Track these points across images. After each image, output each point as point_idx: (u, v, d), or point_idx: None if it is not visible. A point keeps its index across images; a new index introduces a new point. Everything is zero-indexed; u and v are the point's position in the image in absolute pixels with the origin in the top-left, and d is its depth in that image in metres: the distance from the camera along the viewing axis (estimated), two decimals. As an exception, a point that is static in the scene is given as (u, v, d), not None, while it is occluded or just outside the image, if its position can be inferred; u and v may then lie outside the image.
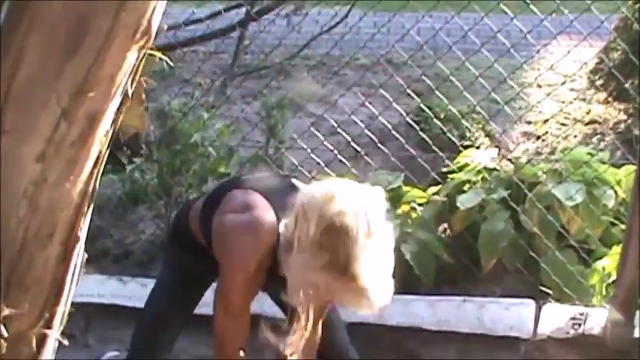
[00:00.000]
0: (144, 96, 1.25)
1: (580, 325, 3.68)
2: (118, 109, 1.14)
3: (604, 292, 3.77)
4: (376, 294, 2.25)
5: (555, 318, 3.70)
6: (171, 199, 4.41)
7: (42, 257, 1.11)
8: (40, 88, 1.05)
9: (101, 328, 4.01)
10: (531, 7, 4.00)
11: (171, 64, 5.26)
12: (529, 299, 3.75)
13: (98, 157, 1.14)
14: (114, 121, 1.14)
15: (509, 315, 3.74)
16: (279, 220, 2.36)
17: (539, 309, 3.71)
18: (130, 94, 1.15)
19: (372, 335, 3.77)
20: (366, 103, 4.47)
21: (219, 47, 5.65)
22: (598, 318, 3.67)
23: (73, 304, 3.91)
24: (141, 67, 1.16)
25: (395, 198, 4.16)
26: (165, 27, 1.14)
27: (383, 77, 5.15)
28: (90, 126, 1.10)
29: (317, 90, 5.27)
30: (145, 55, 1.15)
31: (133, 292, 4.05)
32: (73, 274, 1.18)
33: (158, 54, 1.22)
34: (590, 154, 4.16)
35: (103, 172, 3.91)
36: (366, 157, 4.24)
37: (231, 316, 2.54)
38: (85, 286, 4.09)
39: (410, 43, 4.99)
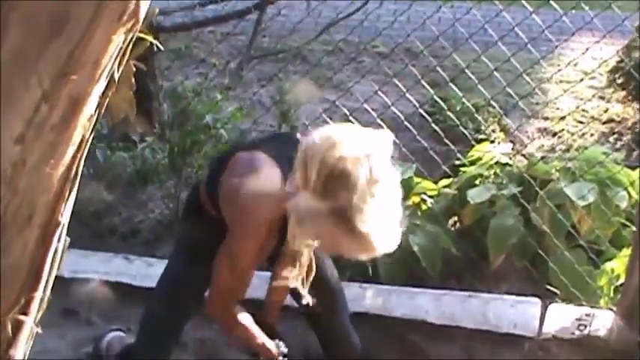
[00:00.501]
0: (133, 79, 1.22)
1: (585, 326, 3.63)
2: (104, 93, 1.11)
3: (612, 295, 3.73)
4: (379, 241, 2.17)
5: (561, 318, 3.66)
6: (181, 180, 4.40)
7: (20, 241, 1.09)
8: (20, 69, 1.02)
9: (105, 306, 4.00)
10: (552, 2, 3.93)
11: (185, 44, 5.23)
12: (535, 298, 3.71)
13: (81, 142, 1.11)
14: (99, 105, 1.11)
15: (514, 312, 3.70)
16: (286, 177, 2.33)
17: (545, 308, 3.67)
18: (116, 77, 1.12)
19: (375, 326, 3.75)
20: (380, 92, 4.42)
21: (237, 28, 5.61)
22: (604, 320, 3.63)
23: (77, 280, 3.92)
24: (129, 50, 1.12)
25: (405, 189, 4.12)
26: (157, 10, 1.10)
27: (400, 66, 5.11)
28: (72, 109, 1.07)
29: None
30: (133, 38, 1.11)
31: (139, 271, 4.05)
32: (54, 260, 1.15)
33: (149, 37, 1.19)
34: (605, 153, 4.10)
35: (115, 148, 3.91)
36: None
37: (237, 275, 2.50)
38: (91, 263, 4.10)
39: (429, 32, 4.93)
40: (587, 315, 3.64)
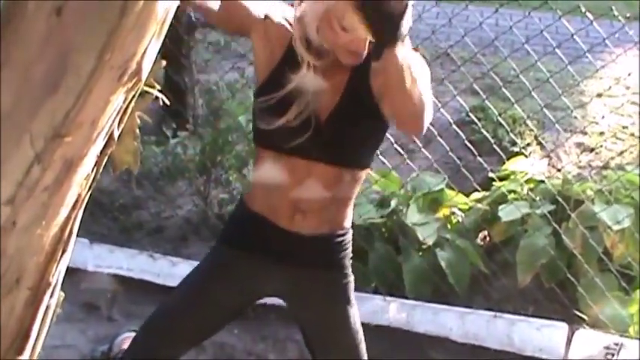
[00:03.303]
0: (137, 131, 1.17)
1: (613, 354, 3.56)
2: (102, 152, 1.07)
3: (642, 323, 3.64)
4: None
5: (588, 345, 3.59)
6: (211, 178, 4.36)
7: (7, 303, 1.05)
8: (13, 129, 0.98)
9: (127, 303, 4.00)
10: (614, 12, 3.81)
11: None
12: (562, 322, 3.63)
13: (77, 202, 1.06)
14: (96, 164, 1.07)
15: (539, 336, 3.63)
16: None
17: (571, 333, 3.59)
18: (116, 136, 1.07)
19: (396, 340, 3.71)
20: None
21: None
22: (633, 350, 3.54)
23: (101, 274, 3.90)
24: (131, 106, 1.08)
25: (436, 201, 4.07)
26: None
27: (440, 72, 5.01)
28: (67, 171, 1.02)
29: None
30: (135, 96, 1.07)
31: (162, 269, 4.03)
32: (44, 318, 1.11)
33: (154, 91, 1.14)
34: (643, 176, 3.99)
35: (147, 142, 3.88)
36: (407, 161, 4.11)
37: None
38: (116, 258, 4.09)
39: (471, 38, 4.83)
40: (616, 343, 3.56)
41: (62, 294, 1.16)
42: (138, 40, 1.00)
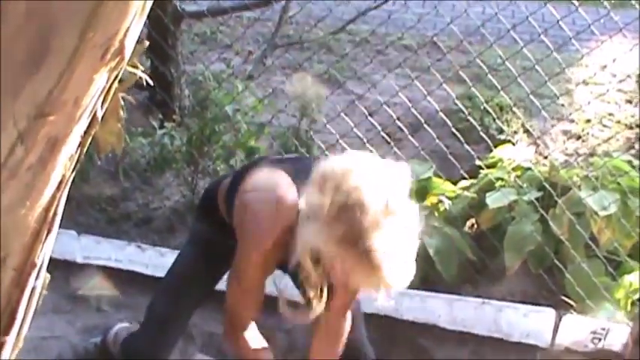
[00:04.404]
0: (121, 112, 1.17)
1: (600, 339, 3.57)
2: (86, 131, 1.07)
3: (628, 309, 3.65)
4: (391, 275, 2.12)
5: (575, 330, 3.60)
6: (198, 169, 4.36)
7: (-8, 283, 1.05)
8: (-5, 109, 0.98)
9: (115, 294, 3.99)
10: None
11: (210, 29, 5.17)
12: (549, 308, 3.64)
13: (61, 182, 1.06)
14: (81, 144, 1.07)
15: (527, 322, 3.64)
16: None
17: (559, 319, 3.61)
18: (99, 116, 1.07)
19: (386, 328, 3.72)
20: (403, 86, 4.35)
21: (264, 15, 5.54)
22: (619, 335, 3.56)
23: (89, 266, 3.90)
24: (115, 85, 1.07)
25: (423, 189, 4.07)
26: None
27: (427, 60, 5.03)
28: (50, 151, 1.02)
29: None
30: (118, 76, 1.06)
31: (151, 260, 4.03)
32: (30, 300, 1.11)
33: (138, 72, 1.13)
34: (629, 162, 4.01)
35: (134, 134, 3.88)
36: (394, 148, 4.12)
37: (243, 290, 2.48)
38: (104, 250, 4.09)
39: (458, 26, 4.85)
40: (603, 328, 3.57)
41: (48, 276, 1.16)
42: (120, 19, 1.00)
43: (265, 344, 2.64)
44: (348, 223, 2.06)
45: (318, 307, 2.42)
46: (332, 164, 2.17)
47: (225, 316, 2.60)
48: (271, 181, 2.41)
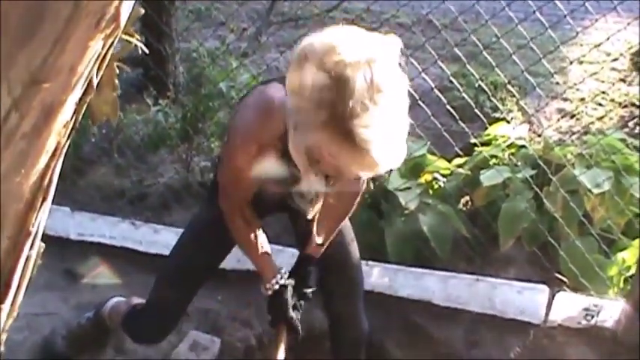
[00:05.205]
0: (116, 81, 1.17)
1: (593, 316, 3.59)
2: (81, 99, 1.06)
3: (621, 285, 3.67)
4: (380, 153, 1.94)
5: (568, 307, 3.62)
6: (192, 146, 4.35)
7: (-14, 251, 1.05)
8: (-11, 76, 0.97)
9: (109, 270, 3.99)
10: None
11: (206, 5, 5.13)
12: (543, 285, 3.65)
13: (56, 149, 1.06)
14: (75, 112, 1.06)
15: (521, 299, 3.65)
16: None
17: (552, 296, 3.62)
18: (94, 83, 1.07)
19: (381, 304, 3.73)
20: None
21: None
22: (612, 311, 3.58)
23: (83, 242, 3.89)
24: (109, 54, 1.07)
25: (418, 166, 4.07)
26: None
27: (421, 38, 5.00)
28: (45, 118, 1.02)
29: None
30: (114, 43, 1.06)
31: (145, 236, 4.03)
32: (25, 269, 1.11)
33: (134, 40, 1.13)
34: (623, 140, 4.01)
35: (128, 111, 3.86)
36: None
37: (232, 172, 2.41)
38: (98, 227, 4.08)
39: (453, 4, 4.83)
40: (595, 305, 3.59)
41: (42, 245, 1.16)
42: (115, -15, 1.00)
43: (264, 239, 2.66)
44: (332, 104, 1.90)
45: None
46: (312, 40, 1.98)
47: (219, 193, 2.60)
48: (261, 87, 2.36)
